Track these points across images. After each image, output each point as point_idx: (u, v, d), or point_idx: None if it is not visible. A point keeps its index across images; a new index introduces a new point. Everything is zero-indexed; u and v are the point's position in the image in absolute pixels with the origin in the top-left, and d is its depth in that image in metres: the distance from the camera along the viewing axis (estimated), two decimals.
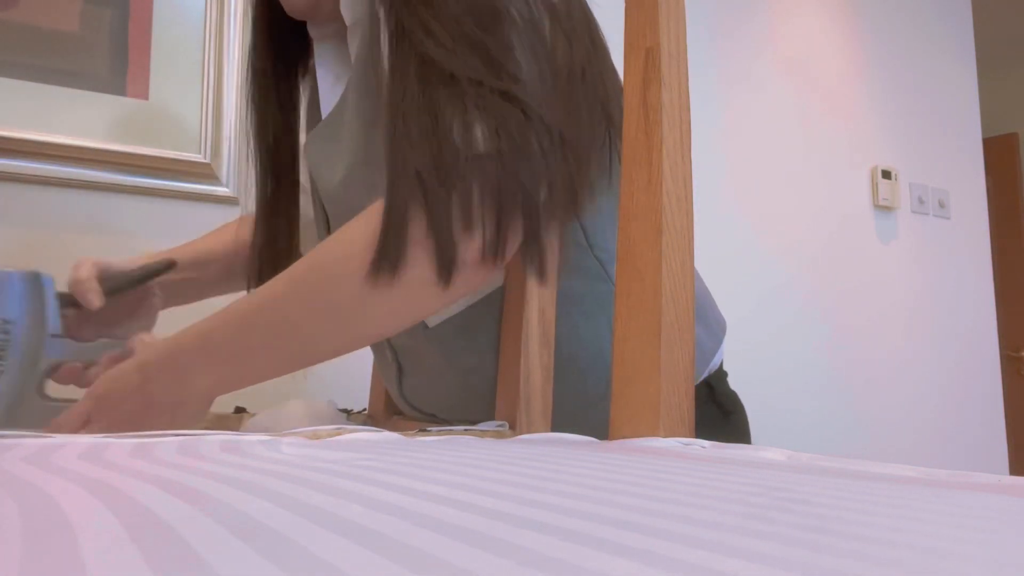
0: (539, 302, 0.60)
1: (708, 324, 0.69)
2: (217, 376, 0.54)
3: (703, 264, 1.65)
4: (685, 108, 0.48)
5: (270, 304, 0.53)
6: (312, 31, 0.70)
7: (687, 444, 0.39)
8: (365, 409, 0.96)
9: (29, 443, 0.35)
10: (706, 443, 0.40)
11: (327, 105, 0.67)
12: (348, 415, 0.87)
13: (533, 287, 0.59)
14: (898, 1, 2.09)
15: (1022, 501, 0.20)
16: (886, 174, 1.97)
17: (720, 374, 0.72)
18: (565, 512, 0.18)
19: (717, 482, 0.23)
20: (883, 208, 1.97)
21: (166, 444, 0.36)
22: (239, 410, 0.91)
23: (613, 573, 0.13)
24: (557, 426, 0.59)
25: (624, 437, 0.44)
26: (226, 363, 0.54)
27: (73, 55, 1.07)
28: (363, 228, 0.51)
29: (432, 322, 0.65)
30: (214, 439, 0.38)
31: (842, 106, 1.95)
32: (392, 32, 0.53)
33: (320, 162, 0.68)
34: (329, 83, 0.68)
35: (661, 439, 0.41)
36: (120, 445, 0.35)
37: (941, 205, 2.08)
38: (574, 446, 0.39)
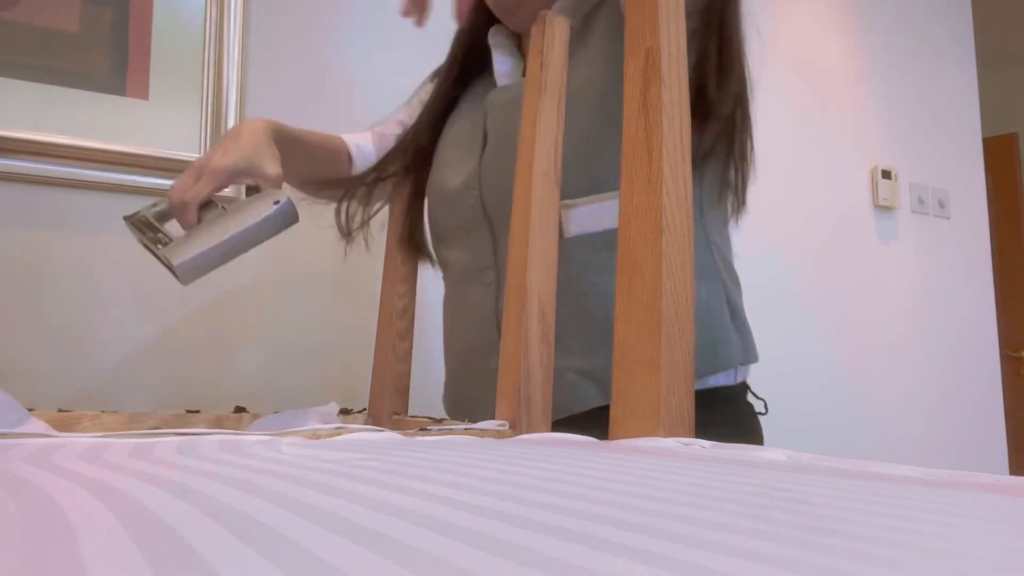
0: (539, 303, 0.59)
1: (744, 322, 0.78)
2: None
3: None
4: (685, 108, 0.48)
5: None
6: (500, 31, 0.88)
7: (687, 444, 0.39)
8: (365, 409, 0.96)
9: (29, 443, 0.35)
10: (706, 443, 0.40)
11: (505, 80, 0.85)
12: (348, 415, 0.87)
13: (534, 287, 0.59)
14: (898, 1, 2.09)
15: (1022, 501, 0.20)
16: (886, 174, 1.97)
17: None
18: (565, 512, 0.18)
19: (717, 482, 0.23)
20: (883, 208, 1.97)
21: (166, 444, 0.36)
22: (239, 409, 0.91)
23: (613, 573, 0.13)
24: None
25: (624, 437, 0.44)
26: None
27: (73, 55, 1.07)
28: None
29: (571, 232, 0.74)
30: (214, 439, 0.38)
31: (842, 106, 1.95)
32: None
33: (511, 113, 0.80)
34: (509, 66, 0.87)
35: (661, 439, 0.41)
36: (120, 445, 0.35)
37: (941, 205, 2.08)
38: (574, 446, 0.39)
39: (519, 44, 0.89)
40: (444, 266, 0.88)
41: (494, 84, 0.87)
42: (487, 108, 0.84)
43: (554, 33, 0.64)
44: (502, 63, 0.88)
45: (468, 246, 0.82)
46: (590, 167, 0.72)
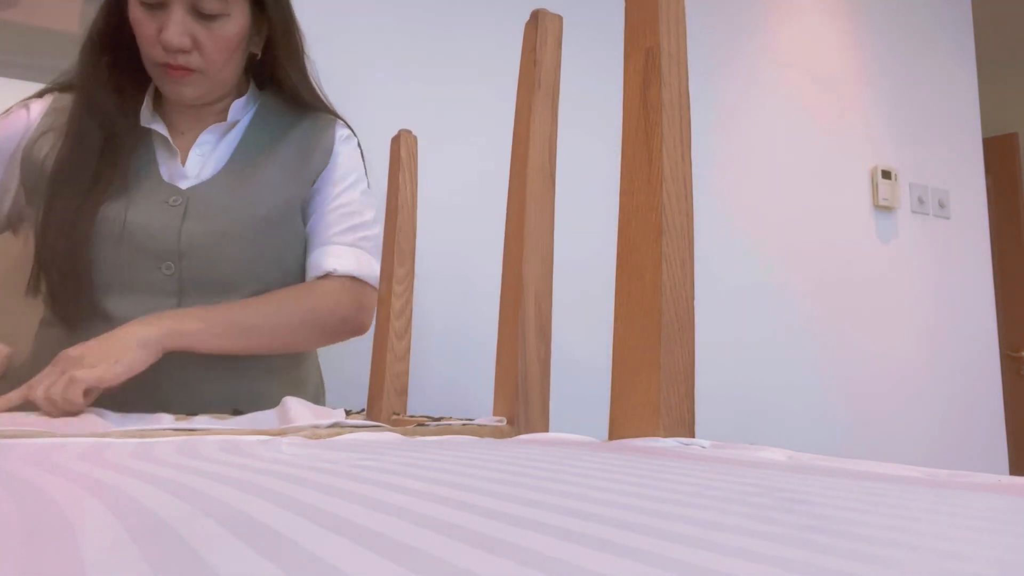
0: (535, 296, 0.60)
1: None
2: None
3: (703, 264, 1.65)
4: (685, 108, 0.48)
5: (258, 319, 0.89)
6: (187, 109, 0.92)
7: (687, 444, 0.39)
8: (363, 409, 0.96)
9: (29, 443, 0.35)
10: (706, 443, 0.40)
11: (198, 162, 0.90)
12: (347, 415, 0.87)
13: (530, 281, 0.59)
14: (898, 1, 2.09)
15: (1022, 501, 0.20)
16: (886, 174, 1.97)
17: None
18: (565, 512, 0.18)
19: (717, 482, 0.23)
20: (883, 208, 1.97)
21: (166, 444, 0.36)
22: (237, 412, 0.90)
23: (613, 573, 0.13)
24: None
25: (624, 437, 0.44)
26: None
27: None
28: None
29: None
30: (214, 439, 0.38)
31: (842, 106, 1.95)
32: None
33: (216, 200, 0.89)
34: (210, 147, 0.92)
35: (661, 439, 0.41)
36: (120, 445, 0.35)
37: (941, 205, 2.08)
38: (574, 446, 0.39)
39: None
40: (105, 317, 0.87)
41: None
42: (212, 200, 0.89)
43: (547, 29, 0.64)
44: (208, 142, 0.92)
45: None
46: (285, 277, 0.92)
